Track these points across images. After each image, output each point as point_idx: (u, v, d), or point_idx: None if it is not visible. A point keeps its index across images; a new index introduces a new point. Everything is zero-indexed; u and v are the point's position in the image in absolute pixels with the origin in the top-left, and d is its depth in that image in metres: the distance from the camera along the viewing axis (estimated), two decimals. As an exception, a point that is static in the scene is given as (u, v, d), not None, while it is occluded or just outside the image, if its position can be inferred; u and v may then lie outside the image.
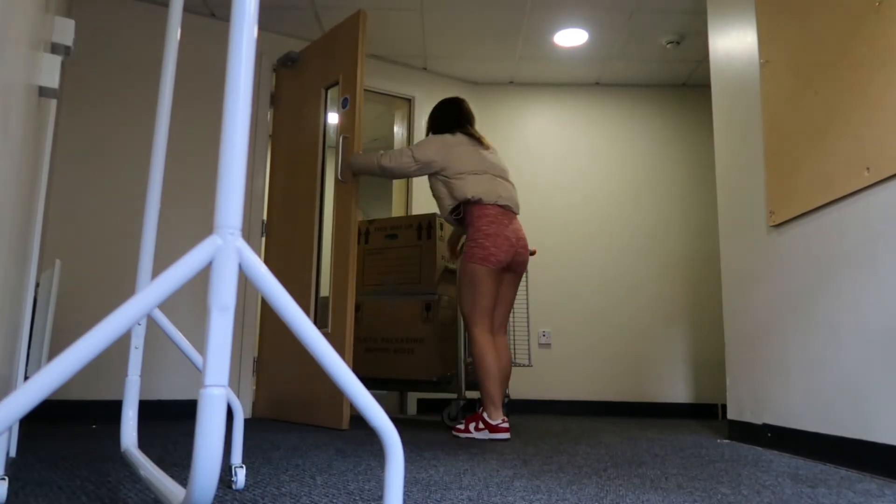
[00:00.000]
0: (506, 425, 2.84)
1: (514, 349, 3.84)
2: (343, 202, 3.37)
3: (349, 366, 3.17)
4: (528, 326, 3.94)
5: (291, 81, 3.99)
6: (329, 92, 3.71)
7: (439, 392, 3.55)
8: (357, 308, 3.71)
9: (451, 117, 3.12)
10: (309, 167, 3.70)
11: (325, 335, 3.35)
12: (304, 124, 3.81)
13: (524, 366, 3.65)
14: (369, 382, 3.65)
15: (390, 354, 3.61)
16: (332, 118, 3.91)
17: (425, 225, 3.63)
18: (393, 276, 3.69)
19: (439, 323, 3.47)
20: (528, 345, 3.92)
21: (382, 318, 3.68)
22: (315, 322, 3.55)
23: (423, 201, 4.57)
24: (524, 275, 3.75)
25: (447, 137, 3.03)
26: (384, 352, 3.63)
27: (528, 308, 4.09)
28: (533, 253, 3.59)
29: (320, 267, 3.61)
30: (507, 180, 3.08)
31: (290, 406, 3.61)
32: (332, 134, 3.79)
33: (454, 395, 3.43)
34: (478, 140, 3.08)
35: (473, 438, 2.85)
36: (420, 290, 3.56)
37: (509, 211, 2.98)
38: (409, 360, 3.53)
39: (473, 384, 3.53)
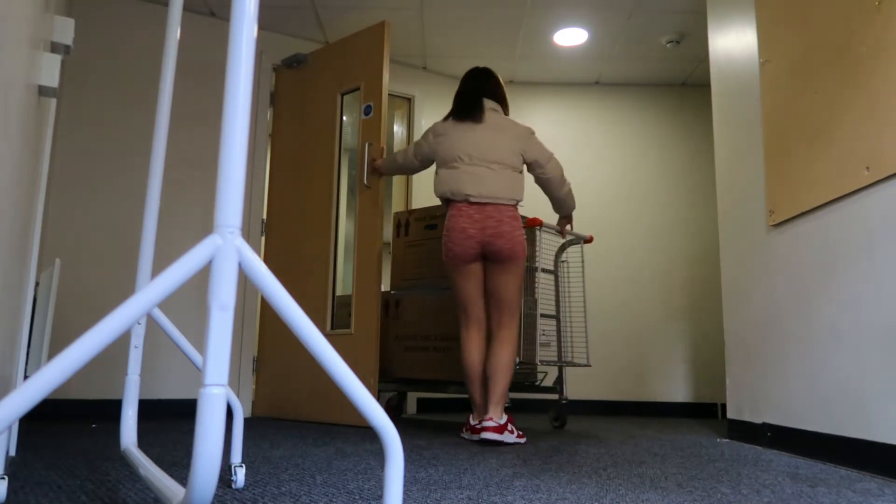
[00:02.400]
0: (480, 426, 2.68)
1: (571, 348, 3.53)
2: (369, 206, 3.42)
3: (377, 368, 3.23)
4: (585, 322, 3.64)
5: (296, 82, 3.99)
6: (344, 97, 3.76)
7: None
8: (396, 304, 3.54)
9: (454, 100, 2.98)
10: (323, 170, 3.72)
11: (349, 336, 3.37)
12: (313, 126, 3.83)
13: (583, 366, 3.29)
14: (409, 383, 3.41)
15: (429, 353, 3.34)
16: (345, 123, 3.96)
17: None
18: (431, 269, 3.41)
19: None
20: (587, 343, 3.62)
21: (420, 314, 3.43)
22: (332, 322, 3.57)
23: (424, 195, 4.58)
24: (561, 267, 3.54)
25: (437, 126, 2.93)
26: (423, 350, 3.36)
27: (584, 303, 3.83)
28: (589, 240, 3.35)
29: (336, 268, 3.64)
30: (496, 162, 2.79)
31: (300, 404, 3.61)
32: (346, 138, 3.83)
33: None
34: (471, 118, 2.84)
35: (464, 439, 2.85)
36: None
37: (485, 204, 2.76)
38: (446, 359, 3.26)
39: (518, 385, 3.31)
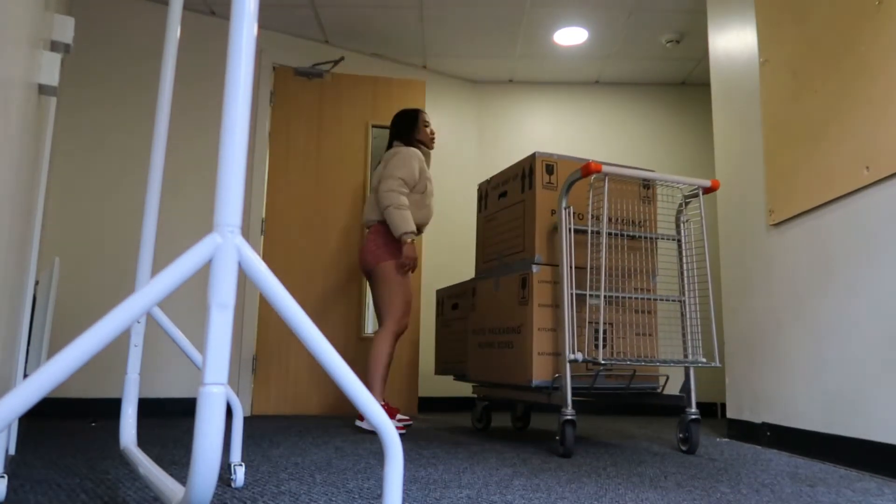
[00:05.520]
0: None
1: (693, 344, 2.60)
2: None
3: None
4: (710, 306, 2.66)
5: (311, 92, 4.18)
6: (373, 129, 4.26)
7: (537, 399, 2.52)
8: (473, 292, 3.03)
9: None
10: (349, 186, 4.13)
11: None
12: (335, 142, 4.18)
13: (711, 365, 2.45)
14: (483, 386, 2.97)
15: (494, 350, 2.79)
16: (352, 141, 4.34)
17: (527, 171, 2.71)
18: (500, 247, 2.87)
19: (538, 305, 2.55)
20: (713, 334, 2.57)
21: (490, 302, 2.87)
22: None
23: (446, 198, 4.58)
24: (695, 254, 2.53)
25: None
26: (490, 346, 2.83)
27: (709, 279, 2.54)
28: (712, 187, 2.52)
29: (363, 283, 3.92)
30: (372, 191, 3.20)
31: (300, 403, 3.61)
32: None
33: (560, 406, 2.33)
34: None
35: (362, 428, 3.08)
36: (523, 260, 2.67)
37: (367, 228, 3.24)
38: (508, 357, 2.67)
39: (580, 390, 2.60)
